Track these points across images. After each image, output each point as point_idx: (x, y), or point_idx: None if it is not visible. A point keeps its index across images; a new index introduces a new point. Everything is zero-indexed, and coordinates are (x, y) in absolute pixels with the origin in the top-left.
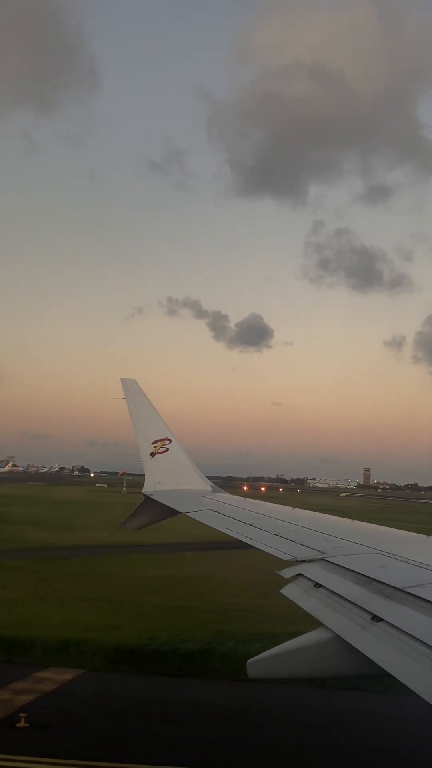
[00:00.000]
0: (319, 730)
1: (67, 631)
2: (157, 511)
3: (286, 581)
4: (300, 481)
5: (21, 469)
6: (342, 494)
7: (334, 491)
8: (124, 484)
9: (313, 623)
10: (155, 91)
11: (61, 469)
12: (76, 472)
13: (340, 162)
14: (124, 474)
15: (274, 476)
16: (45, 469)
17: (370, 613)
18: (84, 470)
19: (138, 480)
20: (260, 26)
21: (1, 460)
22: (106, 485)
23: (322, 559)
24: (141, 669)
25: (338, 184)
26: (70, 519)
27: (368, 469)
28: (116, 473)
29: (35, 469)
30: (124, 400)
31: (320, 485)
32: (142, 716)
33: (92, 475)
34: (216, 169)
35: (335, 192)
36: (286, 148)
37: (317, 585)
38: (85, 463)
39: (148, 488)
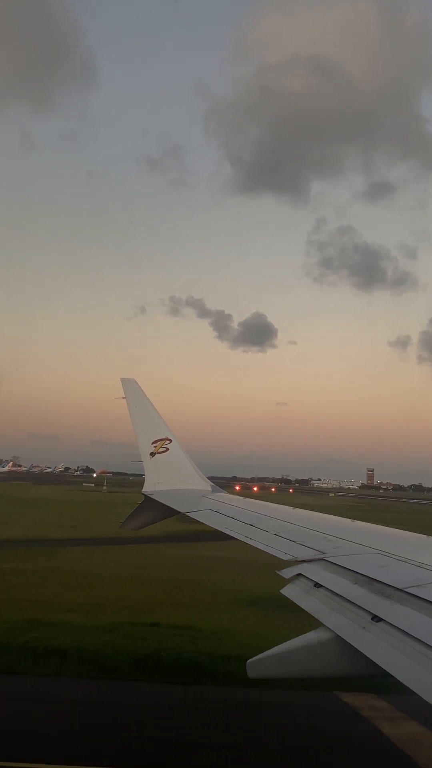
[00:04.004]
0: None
1: None
2: (157, 510)
3: (285, 582)
4: (305, 482)
5: (24, 469)
6: (331, 494)
7: (335, 491)
8: (105, 483)
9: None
10: (153, 86)
11: (66, 469)
12: (78, 472)
13: (341, 158)
14: (103, 473)
15: (279, 477)
16: (49, 469)
17: (370, 613)
18: (88, 470)
19: (117, 479)
20: (258, 20)
21: (4, 461)
22: (92, 484)
23: (322, 559)
24: None
25: (340, 180)
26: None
27: (371, 470)
28: (120, 473)
29: (39, 469)
30: (125, 399)
31: (324, 486)
32: None
33: (95, 475)
34: (215, 166)
35: (337, 189)
36: (286, 144)
37: (317, 585)
38: (90, 463)
39: (148, 488)
